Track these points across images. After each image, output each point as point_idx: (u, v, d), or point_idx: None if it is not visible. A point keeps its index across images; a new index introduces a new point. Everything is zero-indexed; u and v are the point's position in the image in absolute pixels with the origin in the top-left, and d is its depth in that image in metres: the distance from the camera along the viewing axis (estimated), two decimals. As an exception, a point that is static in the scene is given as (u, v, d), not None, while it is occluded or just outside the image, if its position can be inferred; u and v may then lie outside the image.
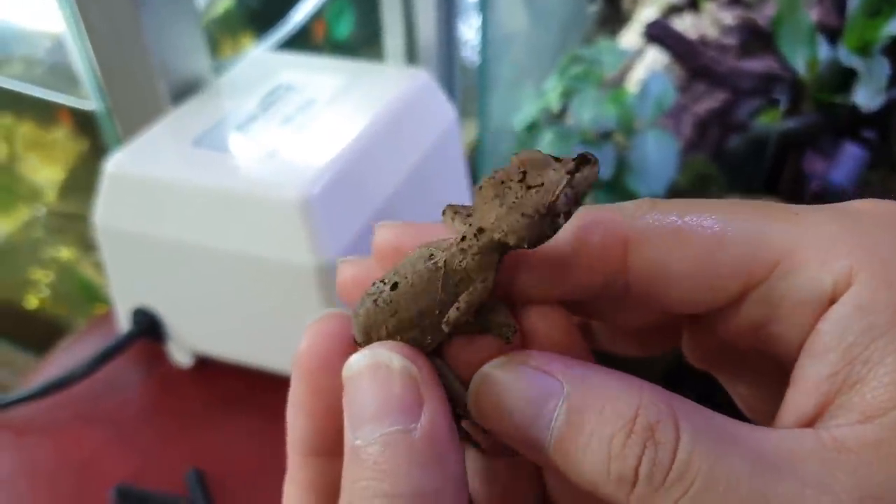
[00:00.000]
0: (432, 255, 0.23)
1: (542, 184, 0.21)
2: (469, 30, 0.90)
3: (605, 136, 0.83)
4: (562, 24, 0.97)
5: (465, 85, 0.88)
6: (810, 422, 0.20)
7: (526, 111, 0.87)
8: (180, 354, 0.62)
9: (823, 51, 0.77)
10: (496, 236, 0.21)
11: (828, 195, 0.92)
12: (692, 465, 0.18)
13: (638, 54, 0.93)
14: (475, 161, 0.87)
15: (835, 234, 0.21)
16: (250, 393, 0.61)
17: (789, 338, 0.22)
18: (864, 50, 0.73)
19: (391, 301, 0.23)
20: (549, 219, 0.21)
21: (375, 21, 0.81)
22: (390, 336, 0.23)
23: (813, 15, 0.80)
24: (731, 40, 0.86)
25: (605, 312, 0.25)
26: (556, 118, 0.90)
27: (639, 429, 0.19)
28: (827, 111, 0.78)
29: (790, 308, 0.21)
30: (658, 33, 0.74)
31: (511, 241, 0.21)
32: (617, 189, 0.84)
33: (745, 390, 0.27)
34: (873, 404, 0.19)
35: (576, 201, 0.21)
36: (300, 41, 0.90)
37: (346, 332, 0.24)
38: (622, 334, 0.28)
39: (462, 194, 0.75)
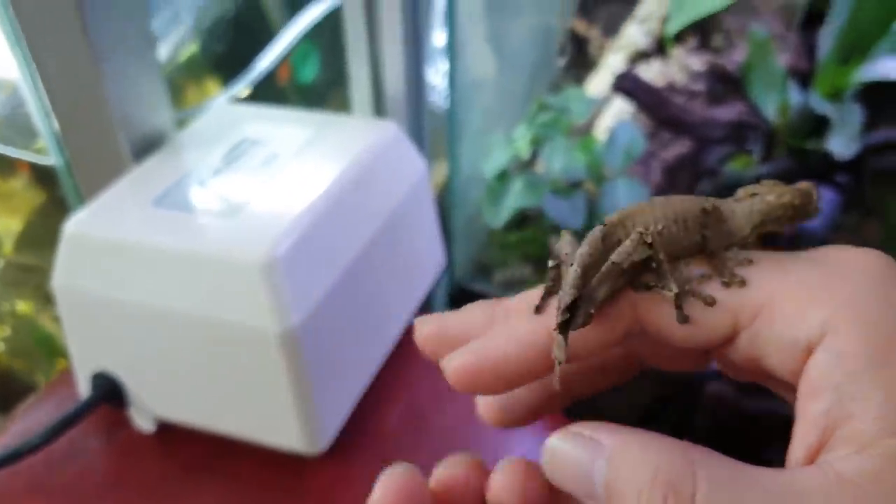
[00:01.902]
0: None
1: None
2: (437, 75, 0.90)
3: (575, 185, 0.83)
4: (530, 71, 0.97)
5: (433, 126, 0.88)
6: (815, 453, 0.23)
7: (496, 158, 0.86)
8: (142, 420, 0.60)
9: (795, 96, 0.78)
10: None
11: (802, 240, 0.93)
12: None
13: (605, 101, 0.94)
14: (444, 204, 0.86)
15: (813, 285, 0.24)
16: (215, 459, 0.59)
17: (783, 373, 0.25)
18: (835, 96, 0.73)
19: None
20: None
21: (341, 64, 0.80)
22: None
23: (783, 60, 0.81)
24: (699, 86, 0.87)
25: (641, 345, 0.30)
26: (525, 166, 0.90)
27: (661, 482, 0.22)
28: (799, 157, 0.79)
29: (775, 351, 0.24)
30: (627, 86, 0.74)
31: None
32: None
33: (787, 396, 0.28)
34: (867, 435, 0.21)
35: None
36: (264, 84, 0.88)
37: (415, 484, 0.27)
38: (665, 356, 0.31)
39: (434, 250, 0.74)
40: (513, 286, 0.92)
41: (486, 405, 0.30)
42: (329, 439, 0.57)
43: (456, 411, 0.64)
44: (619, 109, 0.91)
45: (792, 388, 0.25)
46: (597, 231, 0.25)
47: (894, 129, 0.74)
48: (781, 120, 0.79)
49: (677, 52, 0.87)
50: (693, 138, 0.84)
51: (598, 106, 0.91)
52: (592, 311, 0.24)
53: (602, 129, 0.92)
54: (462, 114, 0.80)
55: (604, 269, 0.24)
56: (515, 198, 0.84)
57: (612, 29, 1.01)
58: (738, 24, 0.85)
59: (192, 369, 0.56)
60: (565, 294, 0.24)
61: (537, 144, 0.90)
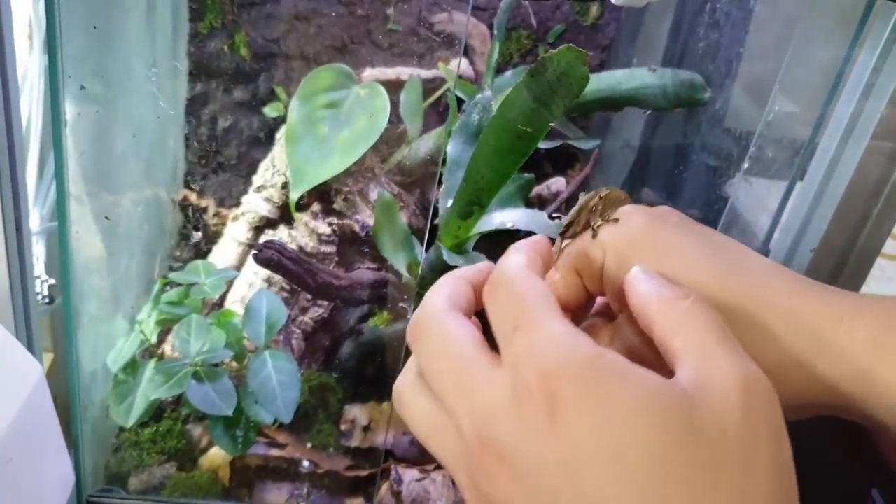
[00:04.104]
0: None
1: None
2: (37, 262, 0.77)
3: (215, 365, 0.76)
4: (146, 246, 0.89)
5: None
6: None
7: (121, 349, 0.76)
8: None
9: (420, 253, 0.81)
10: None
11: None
12: None
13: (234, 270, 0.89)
14: (69, 412, 0.72)
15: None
16: None
17: None
18: (458, 247, 0.77)
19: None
20: None
21: None
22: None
23: (403, 217, 0.84)
24: (329, 248, 0.87)
25: None
26: (154, 350, 0.80)
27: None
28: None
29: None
30: (269, 256, 0.71)
31: None
32: (237, 423, 0.76)
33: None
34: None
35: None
36: None
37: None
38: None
39: (61, 466, 0.61)
40: (156, 491, 0.80)
41: None
42: None
43: None
44: (252, 275, 0.87)
45: None
46: (585, 195, 0.39)
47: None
48: (412, 275, 0.82)
49: (303, 217, 0.87)
50: (330, 299, 0.83)
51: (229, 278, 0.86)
52: (577, 230, 0.39)
53: (233, 301, 0.87)
54: (77, 303, 0.69)
55: (578, 208, 0.39)
56: (149, 389, 0.74)
57: (227, 199, 0.98)
58: (358, 186, 0.88)
59: None
60: (563, 222, 0.39)
61: (163, 325, 0.82)
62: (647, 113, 0.88)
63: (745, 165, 0.73)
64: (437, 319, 0.31)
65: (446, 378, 0.30)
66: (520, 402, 0.27)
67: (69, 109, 0.62)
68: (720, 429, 0.25)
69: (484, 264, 0.36)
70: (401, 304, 0.81)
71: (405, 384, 0.33)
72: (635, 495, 0.24)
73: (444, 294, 0.33)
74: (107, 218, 0.75)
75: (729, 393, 0.26)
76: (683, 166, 0.90)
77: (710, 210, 0.79)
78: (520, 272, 0.31)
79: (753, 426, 0.26)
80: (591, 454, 0.25)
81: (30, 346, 0.67)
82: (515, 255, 0.33)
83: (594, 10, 1.00)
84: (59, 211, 0.64)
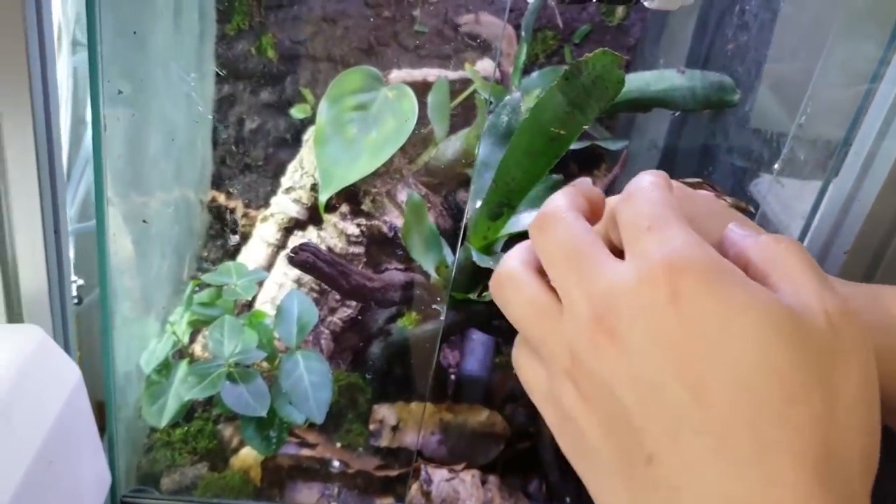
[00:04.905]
0: None
1: None
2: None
3: (247, 366, 0.76)
4: (176, 247, 0.89)
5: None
6: None
7: (154, 350, 0.77)
8: None
9: (448, 254, 0.81)
10: None
11: (463, 382, 0.96)
12: None
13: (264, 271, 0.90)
14: (103, 413, 0.73)
15: None
16: None
17: None
18: (486, 248, 0.78)
19: None
20: None
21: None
22: None
23: (430, 218, 0.85)
24: (358, 249, 0.87)
25: None
26: (188, 352, 0.81)
27: None
28: (461, 308, 0.82)
29: None
30: (304, 258, 0.71)
31: None
32: (270, 423, 0.77)
33: None
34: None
35: None
36: None
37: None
38: None
39: (97, 467, 0.62)
40: (188, 492, 0.81)
41: None
42: None
43: None
44: (281, 276, 0.87)
45: None
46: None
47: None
48: (440, 276, 0.82)
49: (332, 218, 0.87)
50: (363, 301, 0.83)
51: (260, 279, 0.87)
52: None
53: (263, 302, 0.88)
54: (113, 305, 0.70)
55: None
56: (183, 390, 0.75)
57: (255, 200, 0.98)
58: (386, 187, 0.88)
59: None
60: None
61: (196, 327, 0.82)
62: (675, 114, 0.88)
63: (777, 166, 0.73)
64: (564, 214, 0.33)
65: (568, 264, 0.32)
66: (643, 285, 0.29)
67: (107, 113, 0.63)
68: (819, 341, 0.28)
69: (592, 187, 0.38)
70: (433, 306, 0.81)
71: (513, 268, 0.34)
72: (735, 382, 0.26)
73: (567, 197, 0.35)
74: (144, 221, 0.76)
75: (828, 315, 0.28)
76: (712, 167, 0.90)
77: (743, 211, 0.79)
78: (656, 186, 0.33)
79: (848, 345, 0.28)
80: (702, 339, 0.27)
81: (66, 348, 0.68)
82: (649, 175, 0.34)
83: (620, 10, 1.00)
84: (98, 213, 0.64)
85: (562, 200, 0.35)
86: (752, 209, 0.74)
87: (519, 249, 0.36)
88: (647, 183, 0.33)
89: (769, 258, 0.31)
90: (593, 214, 0.36)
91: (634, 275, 0.29)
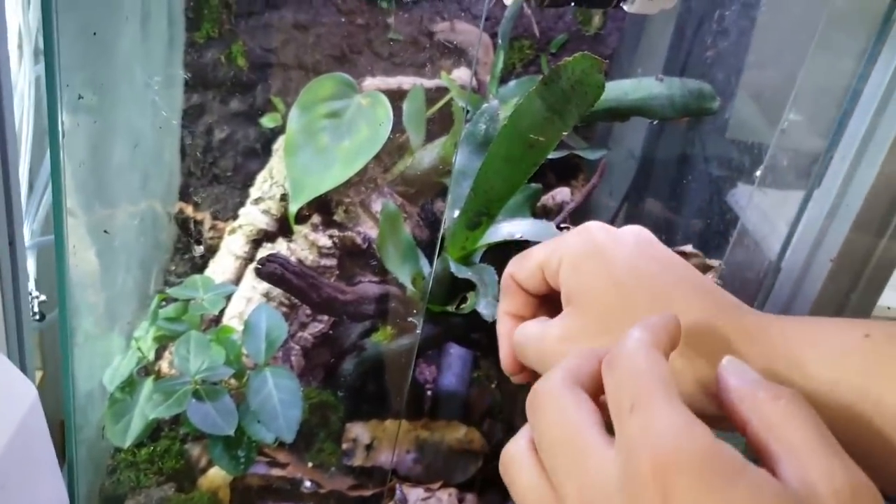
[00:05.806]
0: None
1: None
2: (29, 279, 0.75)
3: (214, 383, 0.73)
4: (141, 260, 0.86)
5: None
6: None
7: (118, 367, 0.73)
8: None
9: (425, 265, 0.79)
10: None
11: (441, 398, 0.93)
12: None
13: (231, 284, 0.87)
14: (63, 433, 0.70)
15: None
16: None
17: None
18: (464, 259, 0.76)
19: None
20: None
21: None
22: None
23: (406, 228, 0.83)
24: (330, 261, 0.84)
25: None
26: (152, 368, 0.78)
27: None
28: (438, 321, 0.79)
29: None
30: (272, 270, 0.68)
31: None
32: (238, 443, 0.74)
33: None
34: None
35: None
36: None
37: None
38: None
39: (55, 492, 0.59)
40: (154, 513, 0.78)
41: None
42: None
43: None
44: (249, 290, 0.85)
45: None
46: None
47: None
48: (416, 288, 0.80)
49: (303, 230, 0.85)
50: (335, 315, 0.80)
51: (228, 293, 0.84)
52: None
53: (231, 317, 0.85)
54: (75, 320, 0.67)
55: None
56: (148, 408, 0.72)
57: (223, 211, 0.95)
58: (360, 197, 0.86)
59: None
60: None
61: (161, 342, 0.79)
62: (654, 123, 0.87)
63: (759, 174, 0.72)
64: (555, 393, 0.32)
65: (559, 452, 0.31)
66: (631, 487, 0.27)
67: (66, 120, 0.60)
68: None
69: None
70: (409, 319, 0.79)
71: (516, 450, 0.33)
72: None
73: (568, 368, 0.33)
74: (105, 231, 0.73)
75: (837, 495, 0.26)
76: (690, 176, 0.89)
77: (722, 220, 0.78)
78: (641, 349, 0.31)
79: None
80: None
81: (22, 366, 0.65)
82: (641, 331, 0.32)
83: (596, 20, 0.99)
84: (56, 225, 0.61)
85: (558, 376, 0.33)
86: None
87: (522, 431, 0.34)
88: (632, 345, 0.31)
89: (770, 423, 0.29)
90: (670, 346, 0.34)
91: (622, 474, 0.28)
